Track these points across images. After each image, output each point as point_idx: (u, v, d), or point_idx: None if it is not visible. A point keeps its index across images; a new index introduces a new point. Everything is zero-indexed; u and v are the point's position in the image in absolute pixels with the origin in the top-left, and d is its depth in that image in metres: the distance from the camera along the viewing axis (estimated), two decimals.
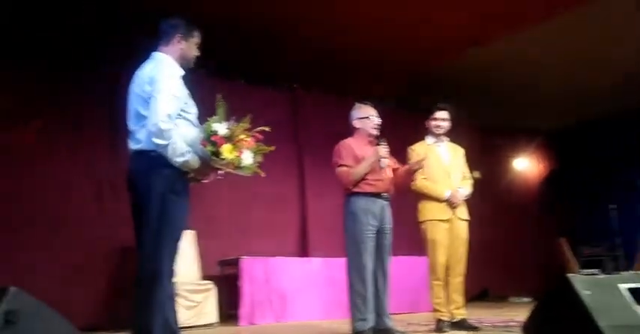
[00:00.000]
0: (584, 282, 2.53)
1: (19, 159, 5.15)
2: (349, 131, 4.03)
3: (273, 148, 2.74)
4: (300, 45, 6.05)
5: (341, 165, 3.79)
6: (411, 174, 3.95)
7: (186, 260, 5.44)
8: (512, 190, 8.94)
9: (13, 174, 5.09)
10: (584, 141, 9.21)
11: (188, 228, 5.50)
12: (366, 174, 3.76)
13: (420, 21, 5.63)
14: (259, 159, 2.71)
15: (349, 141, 3.91)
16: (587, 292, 2.44)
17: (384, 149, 3.80)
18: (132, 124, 2.70)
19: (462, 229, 4.24)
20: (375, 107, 4.11)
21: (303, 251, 6.73)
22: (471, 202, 7.10)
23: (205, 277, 5.54)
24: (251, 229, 6.41)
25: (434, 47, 6.25)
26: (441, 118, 4.36)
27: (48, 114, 5.34)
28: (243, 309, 5.40)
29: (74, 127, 5.50)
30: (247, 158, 2.62)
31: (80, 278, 5.19)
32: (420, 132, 4.56)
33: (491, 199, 8.42)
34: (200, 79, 5.90)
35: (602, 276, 2.72)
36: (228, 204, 6.33)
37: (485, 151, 8.54)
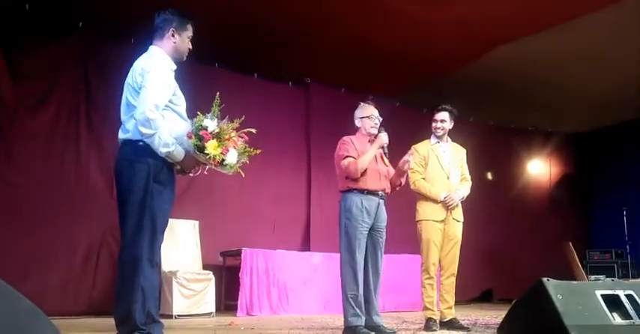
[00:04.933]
0: (558, 287, 2.54)
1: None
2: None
3: (259, 151, 2.78)
4: (314, 40, 6.06)
5: (347, 157, 3.84)
6: (401, 174, 3.95)
7: (188, 249, 5.56)
8: (524, 192, 8.84)
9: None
10: (600, 144, 9.05)
11: (191, 218, 5.68)
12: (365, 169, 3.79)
13: (442, 20, 5.61)
14: (244, 159, 2.76)
15: (351, 138, 3.97)
16: (559, 296, 2.45)
17: (386, 137, 3.86)
18: (123, 114, 2.78)
19: (456, 230, 4.26)
20: (380, 105, 4.16)
21: (306, 245, 6.79)
22: (480, 203, 7.12)
23: (206, 267, 5.62)
24: (255, 222, 6.49)
25: (452, 47, 6.22)
26: (440, 120, 4.39)
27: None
28: (242, 300, 5.48)
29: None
30: (232, 157, 2.67)
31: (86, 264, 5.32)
32: (427, 131, 4.60)
33: (502, 200, 8.39)
34: (211, 72, 6.16)
35: (578, 282, 2.71)
36: (235, 196, 6.41)
37: (498, 151, 8.50)
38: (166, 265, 5.09)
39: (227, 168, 2.69)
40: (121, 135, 2.73)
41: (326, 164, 6.74)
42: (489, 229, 7.82)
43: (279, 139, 6.72)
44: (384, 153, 3.92)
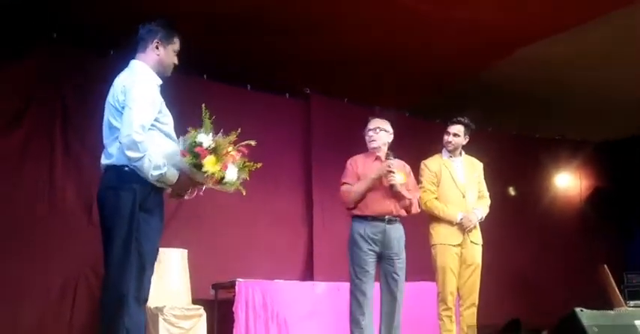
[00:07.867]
0: (593, 318, 2.56)
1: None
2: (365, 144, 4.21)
3: (259, 165, 2.84)
4: (314, 46, 6.10)
5: (344, 184, 3.99)
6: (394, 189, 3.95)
7: (176, 282, 5.56)
8: (551, 209, 8.83)
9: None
10: (637, 154, 9.02)
11: (179, 247, 5.70)
12: (366, 193, 3.86)
13: (455, 21, 5.67)
14: (244, 175, 2.81)
15: (358, 158, 4.09)
16: (595, 328, 2.46)
17: (389, 164, 3.91)
18: (105, 137, 2.83)
19: (475, 254, 4.31)
20: (388, 116, 4.24)
21: (308, 274, 6.79)
22: (502, 222, 7.10)
23: (196, 301, 5.61)
24: (251, 249, 6.49)
25: (467, 50, 6.28)
26: (453, 133, 4.48)
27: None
28: None
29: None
30: (232, 173, 2.73)
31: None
32: (441, 144, 4.68)
33: (526, 219, 8.38)
34: (199, 84, 6.21)
35: (615, 311, 2.73)
36: (227, 220, 6.43)
37: (521, 164, 8.51)
38: (152, 300, 5.04)
39: (227, 186, 2.75)
40: (104, 161, 2.77)
41: (329, 184, 6.80)
42: (513, 252, 7.81)
43: (277, 157, 6.73)
44: (391, 186, 3.89)
